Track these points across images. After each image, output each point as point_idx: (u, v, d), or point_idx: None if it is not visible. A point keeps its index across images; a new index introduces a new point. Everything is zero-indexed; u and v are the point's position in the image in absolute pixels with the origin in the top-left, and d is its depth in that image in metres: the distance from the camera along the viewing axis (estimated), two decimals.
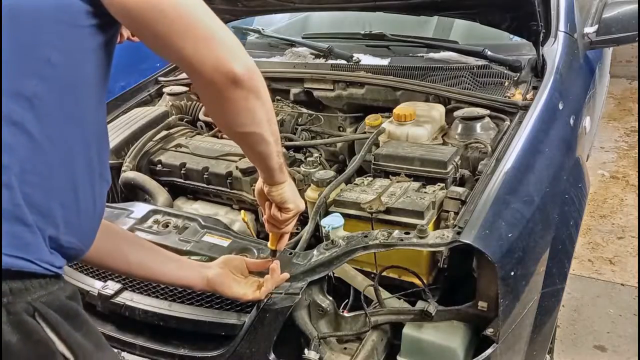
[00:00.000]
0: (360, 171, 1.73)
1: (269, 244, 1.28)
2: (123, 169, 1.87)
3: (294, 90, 2.17)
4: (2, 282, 0.76)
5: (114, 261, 1.14)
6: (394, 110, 1.78)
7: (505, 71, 1.91)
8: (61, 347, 0.81)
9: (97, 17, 0.82)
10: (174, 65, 2.57)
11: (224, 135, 2.07)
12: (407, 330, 1.28)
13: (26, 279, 0.79)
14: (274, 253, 1.28)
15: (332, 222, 1.35)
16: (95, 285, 1.41)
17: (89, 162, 0.87)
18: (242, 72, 0.84)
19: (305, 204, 1.63)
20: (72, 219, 0.84)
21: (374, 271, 1.40)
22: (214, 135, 2.08)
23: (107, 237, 1.10)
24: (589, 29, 2.22)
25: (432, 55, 2.07)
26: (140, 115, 2.11)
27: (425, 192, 1.46)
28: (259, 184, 1.16)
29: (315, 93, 2.12)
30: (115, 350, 1.37)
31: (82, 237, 0.89)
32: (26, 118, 0.77)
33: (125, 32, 1.04)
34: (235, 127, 0.94)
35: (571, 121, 1.83)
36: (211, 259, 1.33)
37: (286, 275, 1.25)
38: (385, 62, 2.09)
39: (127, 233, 1.25)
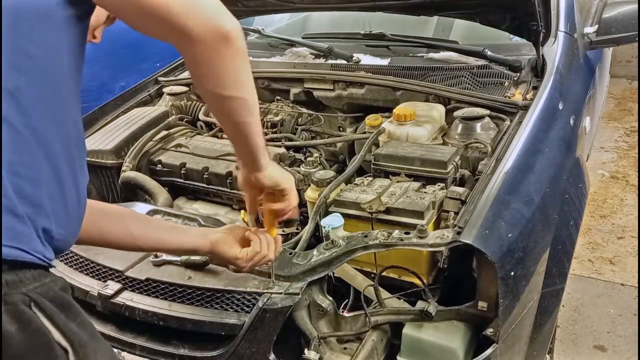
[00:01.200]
0: (360, 171, 1.73)
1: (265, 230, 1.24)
2: (123, 169, 1.88)
3: (294, 90, 2.17)
4: None
5: (117, 237, 1.14)
6: (394, 110, 1.78)
7: (505, 71, 1.91)
8: (57, 335, 0.82)
9: (73, 8, 0.83)
10: (174, 65, 2.57)
11: (224, 135, 2.07)
12: (407, 330, 1.28)
13: (19, 271, 0.79)
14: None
15: (332, 222, 1.35)
16: (95, 285, 1.41)
17: (70, 154, 0.88)
18: (231, 29, 0.85)
19: (306, 204, 1.64)
20: (60, 210, 0.86)
21: (374, 271, 1.40)
22: (214, 135, 2.08)
23: (105, 216, 1.12)
24: (589, 29, 2.22)
25: (432, 55, 2.07)
26: (140, 115, 2.12)
27: (425, 192, 1.46)
28: (243, 175, 1.13)
29: (315, 93, 2.12)
30: (115, 350, 1.37)
31: (70, 228, 0.90)
32: (9, 111, 0.78)
33: (88, 35, 1.05)
34: (220, 89, 0.92)
35: (571, 121, 1.83)
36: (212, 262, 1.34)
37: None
38: (385, 62, 2.09)
39: (125, 209, 1.24)
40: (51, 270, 0.87)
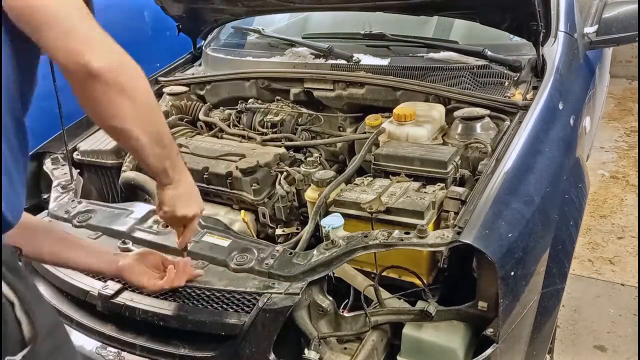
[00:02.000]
0: (360, 171, 1.73)
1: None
2: (123, 169, 1.88)
3: (294, 90, 2.17)
4: None
5: (30, 250, 1.20)
6: (394, 110, 1.78)
7: (505, 71, 1.91)
8: (5, 289, 0.84)
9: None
10: (174, 65, 2.57)
11: (225, 136, 2.07)
12: (407, 330, 1.29)
13: None
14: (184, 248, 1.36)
15: (332, 222, 1.35)
16: (95, 285, 1.41)
17: (12, 147, 0.90)
18: (99, 66, 0.87)
19: (306, 204, 1.64)
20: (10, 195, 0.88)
21: (374, 271, 1.40)
22: (214, 135, 2.08)
23: (24, 228, 1.14)
24: (589, 29, 2.22)
25: (432, 55, 2.07)
26: None
27: (425, 192, 1.46)
28: None
29: (315, 93, 2.12)
30: (115, 350, 1.37)
31: (13, 211, 0.91)
32: None
33: None
34: (98, 119, 0.97)
35: (571, 121, 1.83)
36: (211, 262, 1.35)
37: (199, 272, 1.33)
38: (385, 62, 2.09)
39: (44, 223, 1.32)
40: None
